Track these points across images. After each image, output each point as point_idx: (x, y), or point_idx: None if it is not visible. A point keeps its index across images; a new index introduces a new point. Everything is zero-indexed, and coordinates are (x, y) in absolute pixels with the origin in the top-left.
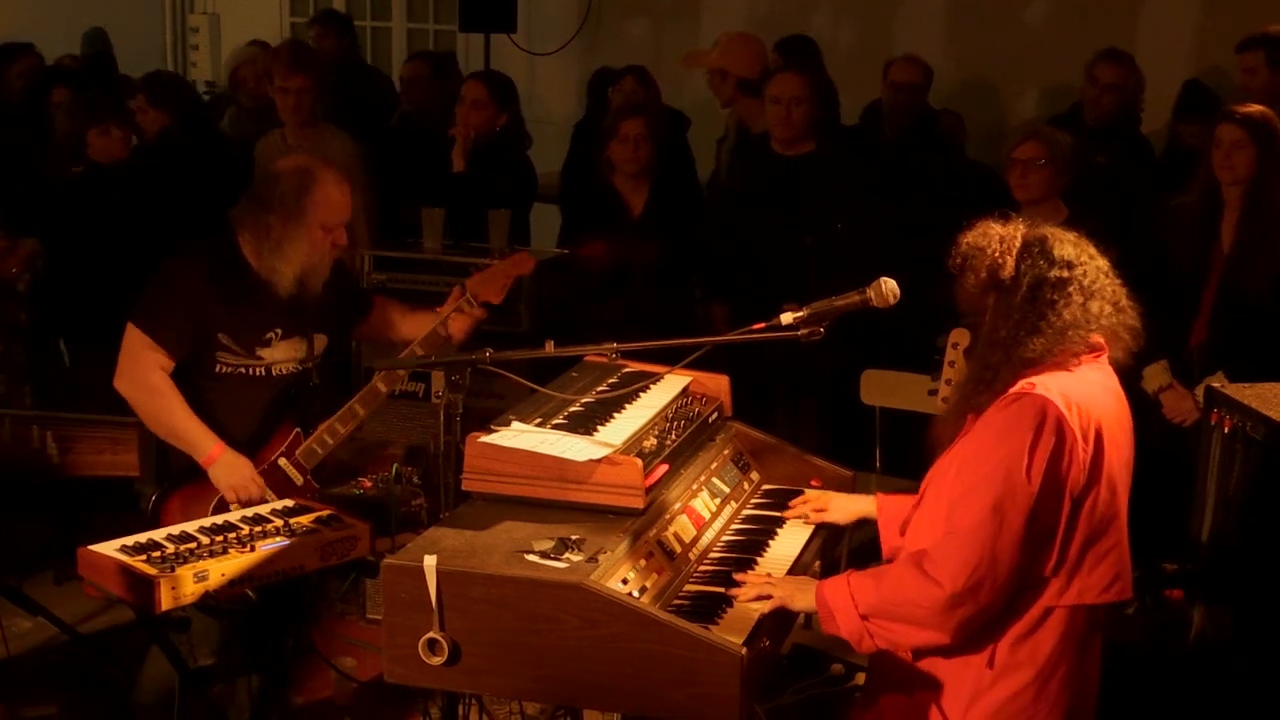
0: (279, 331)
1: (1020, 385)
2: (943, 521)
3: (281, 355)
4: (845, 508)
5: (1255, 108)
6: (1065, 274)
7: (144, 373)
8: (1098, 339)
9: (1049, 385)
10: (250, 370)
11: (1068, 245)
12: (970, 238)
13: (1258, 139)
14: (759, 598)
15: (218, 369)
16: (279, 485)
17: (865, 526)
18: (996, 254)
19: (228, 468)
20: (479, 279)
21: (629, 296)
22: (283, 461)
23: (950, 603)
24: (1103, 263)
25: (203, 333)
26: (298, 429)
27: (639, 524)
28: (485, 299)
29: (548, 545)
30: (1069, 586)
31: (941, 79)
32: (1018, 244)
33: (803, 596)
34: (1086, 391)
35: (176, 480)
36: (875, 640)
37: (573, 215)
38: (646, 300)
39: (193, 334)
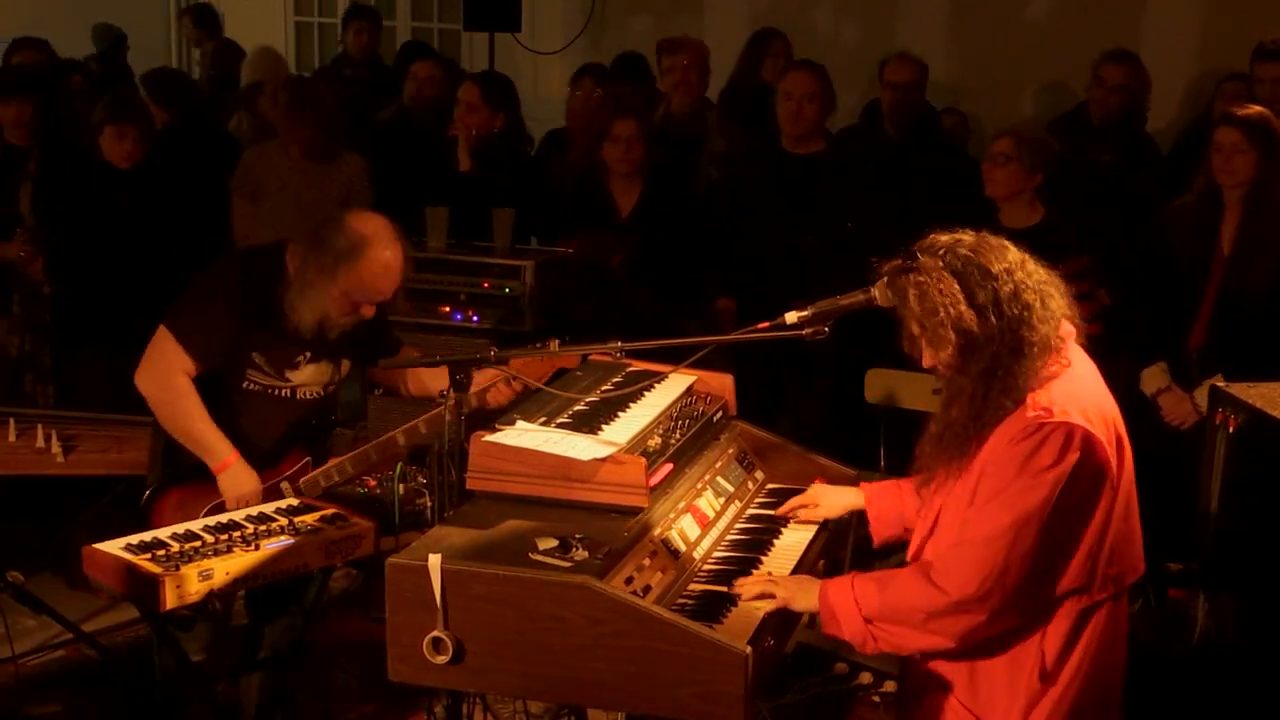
0: (308, 355)
1: (1035, 411)
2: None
3: (308, 378)
4: (835, 502)
5: (1254, 110)
6: (1011, 285)
7: (168, 374)
8: (1067, 327)
9: (1065, 406)
10: (276, 391)
11: (985, 251)
12: (916, 307)
13: (1257, 142)
14: (761, 596)
15: (245, 385)
16: None
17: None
18: (950, 309)
19: (237, 479)
20: (523, 364)
21: (606, 297)
22: (284, 485)
23: (954, 609)
24: (1016, 252)
25: (237, 350)
26: (308, 458)
27: (643, 523)
28: (526, 381)
29: (552, 544)
30: (1105, 584)
31: (945, 78)
32: (957, 287)
33: (805, 597)
34: (1090, 390)
35: (174, 478)
36: (879, 644)
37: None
38: (627, 301)
39: (226, 350)
